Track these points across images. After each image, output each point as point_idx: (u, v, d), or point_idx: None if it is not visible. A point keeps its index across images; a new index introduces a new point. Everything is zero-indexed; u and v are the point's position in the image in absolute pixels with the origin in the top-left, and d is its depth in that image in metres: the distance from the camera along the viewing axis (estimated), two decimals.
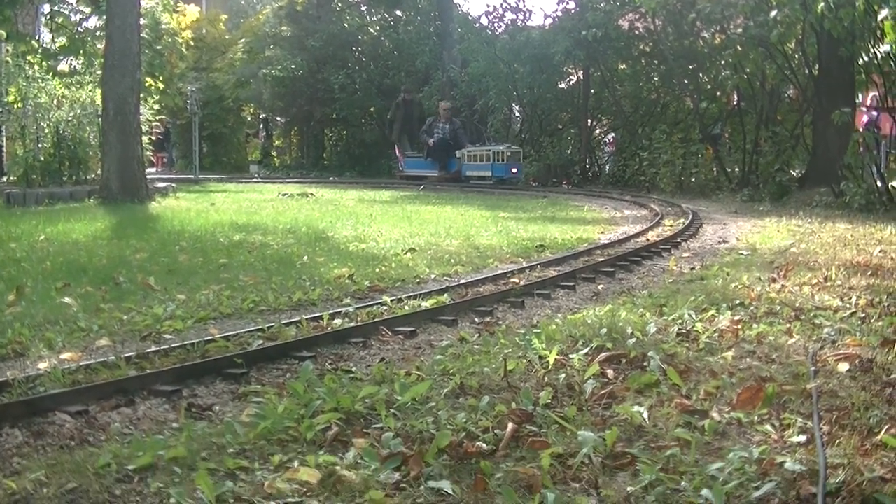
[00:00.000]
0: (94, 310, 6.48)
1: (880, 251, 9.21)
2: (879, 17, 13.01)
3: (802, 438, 3.41)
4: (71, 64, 25.56)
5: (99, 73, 19.47)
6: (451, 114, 28.69)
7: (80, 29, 25.75)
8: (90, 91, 19.82)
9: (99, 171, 18.34)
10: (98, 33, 24.05)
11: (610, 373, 4.34)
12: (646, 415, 3.69)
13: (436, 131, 28.43)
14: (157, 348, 5.28)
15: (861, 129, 17.96)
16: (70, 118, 19.30)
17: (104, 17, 19.96)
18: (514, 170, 25.23)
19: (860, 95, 20.14)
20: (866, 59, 16.26)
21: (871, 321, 5.59)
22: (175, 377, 4.74)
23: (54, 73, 22.08)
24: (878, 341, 4.89)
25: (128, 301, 6.80)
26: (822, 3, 13.76)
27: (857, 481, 2.96)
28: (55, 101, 19.25)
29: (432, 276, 8.43)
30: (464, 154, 27.12)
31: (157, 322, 6.12)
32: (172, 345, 5.36)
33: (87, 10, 25.90)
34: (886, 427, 3.46)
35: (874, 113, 20.01)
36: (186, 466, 3.25)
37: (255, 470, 3.23)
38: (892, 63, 15.48)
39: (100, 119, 18.44)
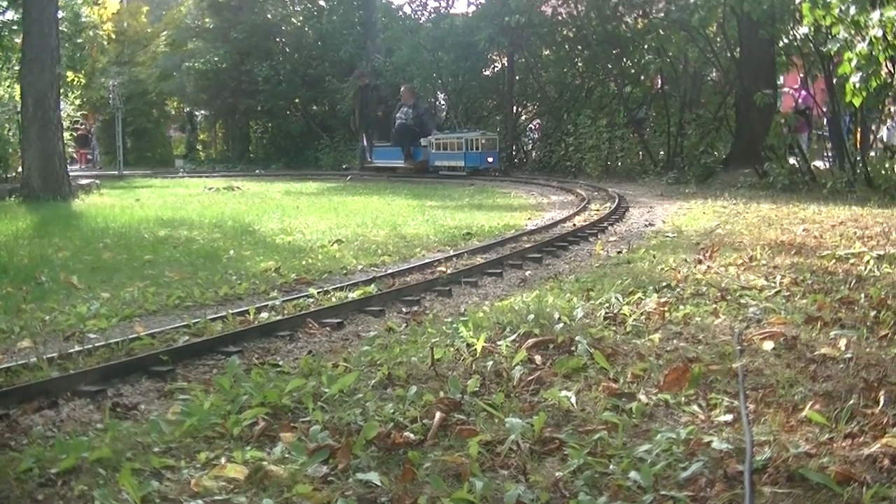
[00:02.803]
0: (15, 310, 6.36)
1: (804, 230, 9.35)
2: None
3: (729, 417, 3.44)
4: None
5: (17, 67, 19.09)
6: (414, 98, 26.24)
7: None
8: (8, 87, 19.46)
9: (20, 169, 18.00)
10: (15, 27, 23.58)
11: (538, 358, 4.34)
12: (574, 399, 3.70)
13: (397, 116, 26.00)
14: (81, 348, 5.20)
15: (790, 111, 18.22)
16: None
17: (20, 9, 19.53)
18: (490, 159, 23.25)
19: (781, 77, 20.40)
20: (786, 40, 16.45)
21: (795, 299, 5.66)
22: (99, 377, 4.67)
23: None
24: (802, 319, 4.96)
25: (50, 301, 6.69)
26: None
27: (783, 457, 3.00)
28: None
29: (359, 267, 8.40)
30: (431, 142, 24.71)
31: (81, 321, 6.03)
32: (96, 344, 5.28)
33: (3, 2, 25.35)
34: (811, 403, 3.51)
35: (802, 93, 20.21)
36: (111, 467, 3.19)
37: (181, 468, 3.19)
38: (811, 44, 15.68)
39: (19, 115, 18.08)
